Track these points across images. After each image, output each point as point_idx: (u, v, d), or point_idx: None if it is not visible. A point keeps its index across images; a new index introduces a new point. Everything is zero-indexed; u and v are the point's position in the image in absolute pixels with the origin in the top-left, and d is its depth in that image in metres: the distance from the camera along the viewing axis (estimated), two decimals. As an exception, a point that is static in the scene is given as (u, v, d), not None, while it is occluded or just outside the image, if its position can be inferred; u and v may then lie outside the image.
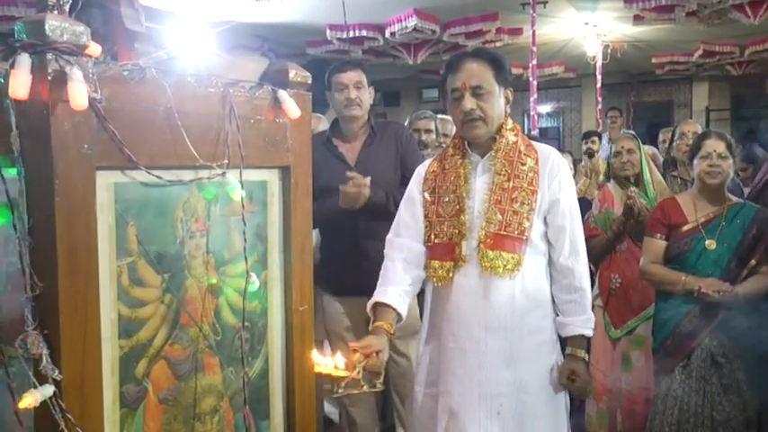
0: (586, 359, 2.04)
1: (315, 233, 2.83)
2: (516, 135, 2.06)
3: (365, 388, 1.70)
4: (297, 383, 1.61)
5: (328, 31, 7.66)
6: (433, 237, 2.05)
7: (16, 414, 1.09)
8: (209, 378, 1.44)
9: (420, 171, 2.18)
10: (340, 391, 1.66)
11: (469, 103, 1.97)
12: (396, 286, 2.01)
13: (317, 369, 1.61)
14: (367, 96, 2.88)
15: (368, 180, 2.67)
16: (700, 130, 3.68)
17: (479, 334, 1.97)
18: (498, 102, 2.02)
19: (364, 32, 7.77)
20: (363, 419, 3.01)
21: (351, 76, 2.82)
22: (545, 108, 12.64)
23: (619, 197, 3.26)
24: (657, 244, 2.81)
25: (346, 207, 2.70)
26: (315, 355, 1.62)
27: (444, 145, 3.94)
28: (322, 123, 3.77)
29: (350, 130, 2.91)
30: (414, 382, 2.16)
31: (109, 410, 1.23)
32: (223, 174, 1.39)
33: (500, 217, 1.96)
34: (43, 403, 1.09)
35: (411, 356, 2.86)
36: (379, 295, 2.00)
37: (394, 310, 1.96)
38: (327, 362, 1.59)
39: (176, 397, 1.38)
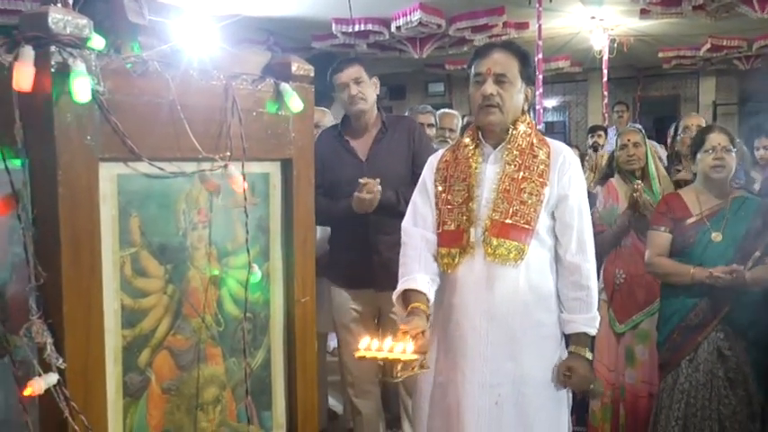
0: (589, 357, 2.04)
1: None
2: (531, 129, 2.08)
3: (416, 369, 1.67)
4: (299, 374, 1.62)
5: (334, 25, 7.65)
6: (442, 224, 2.06)
7: (21, 402, 1.11)
8: (211, 368, 1.45)
9: (432, 161, 2.19)
10: (400, 375, 1.62)
11: (490, 87, 1.99)
12: (423, 274, 2.01)
13: (368, 356, 1.56)
14: (370, 90, 2.87)
15: (378, 184, 2.67)
16: (704, 123, 3.65)
17: (481, 323, 1.99)
18: (518, 95, 2.04)
19: (370, 26, 7.76)
20: (368, 410, 3.03)
21: (349, 74, 2.82)
22: (551, 102, 12.59)
23: (623, 192, 3.25)
24: (663, 236, 2.80)
25: (360, 212, 2.71)
26: (366, 341, 1.57)
27: (450, 139, 3.95)
28: (327, 117, 3.78)
29: (360, 125, 2.91)
30: None
31: (112, 399, 1.25)
32: (225, 166, 1.40)
33: (507, 206, 1.98)
34: (47, 391, 1.10)
35: None
36: (408, 282, 1.99)
37: (424, 294, 1.95)
38: (384, 346, 1.57)
39: (179, 387, 1.39)
